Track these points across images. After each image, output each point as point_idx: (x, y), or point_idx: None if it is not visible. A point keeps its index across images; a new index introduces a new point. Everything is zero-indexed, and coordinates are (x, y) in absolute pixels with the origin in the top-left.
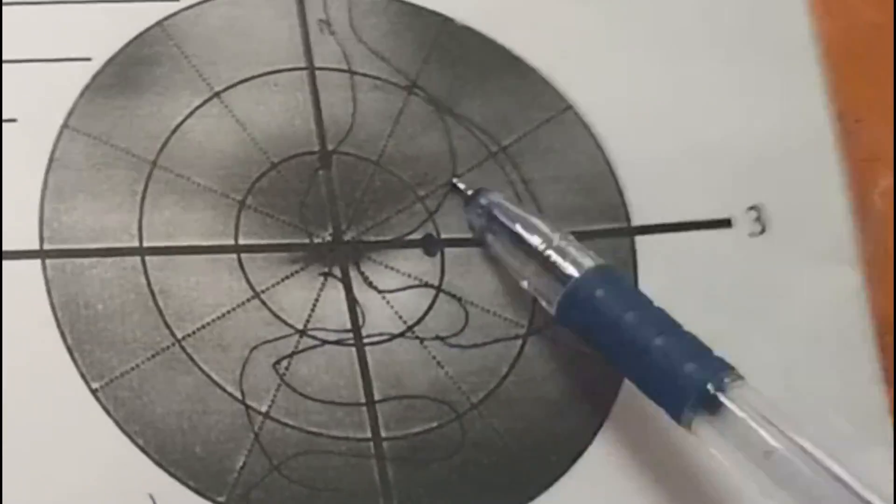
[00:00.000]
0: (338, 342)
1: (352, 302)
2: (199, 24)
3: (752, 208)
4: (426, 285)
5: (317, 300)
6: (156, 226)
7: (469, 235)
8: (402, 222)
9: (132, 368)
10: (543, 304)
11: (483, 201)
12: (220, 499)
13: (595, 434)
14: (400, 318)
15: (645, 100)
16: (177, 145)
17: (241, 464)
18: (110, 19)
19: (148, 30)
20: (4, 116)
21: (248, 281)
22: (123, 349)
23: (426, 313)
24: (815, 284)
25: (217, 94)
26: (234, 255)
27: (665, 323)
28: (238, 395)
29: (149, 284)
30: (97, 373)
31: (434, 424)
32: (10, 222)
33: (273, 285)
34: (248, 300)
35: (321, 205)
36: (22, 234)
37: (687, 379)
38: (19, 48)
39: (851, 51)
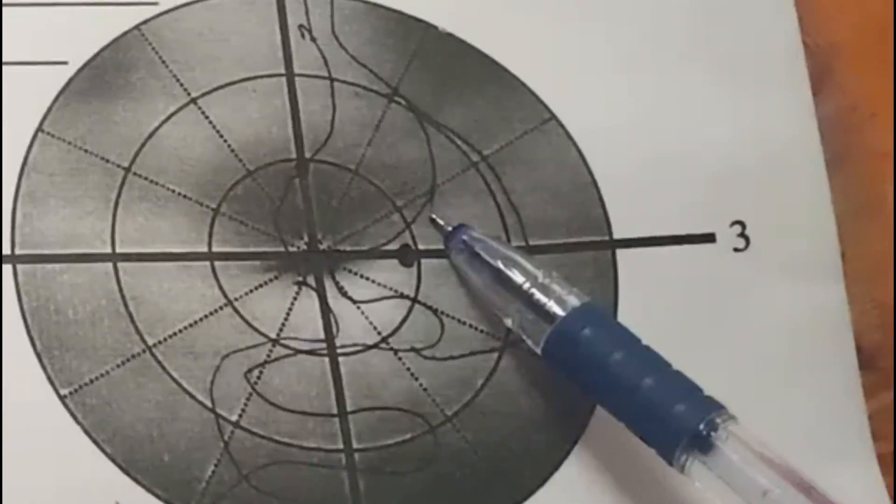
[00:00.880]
0: (311, 352)
1: (326, 311)
2: (178, 28)
3: (735, 223)
4: (402, 296)
5: (290, 309)
6: (128, 232)
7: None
8: (378, 232)
9: (101, 375)
10: (529, 343)
11: (464, 237)
12: None
13: (570, 449)
14: (374, 328)
15: (628, 112)
16: (151, 152)
17: (209, 473)
18: (87, 23)
19: (125, 34)
20: None
21: (220, 288)
22: (93, 355)
23: (401, 324)
24: (797, 299)
25: (194, 101)
26: (207, 263)
27: (654, 362)
28: (208, 403)
29: (120, 291)
30: (66, 379)
31: (407, 436)
32: None
33: (246, 293)
34: (221, 308)
35: (297, 213)
36: None
37: (678, 420)
38: None
39: (866, 45)
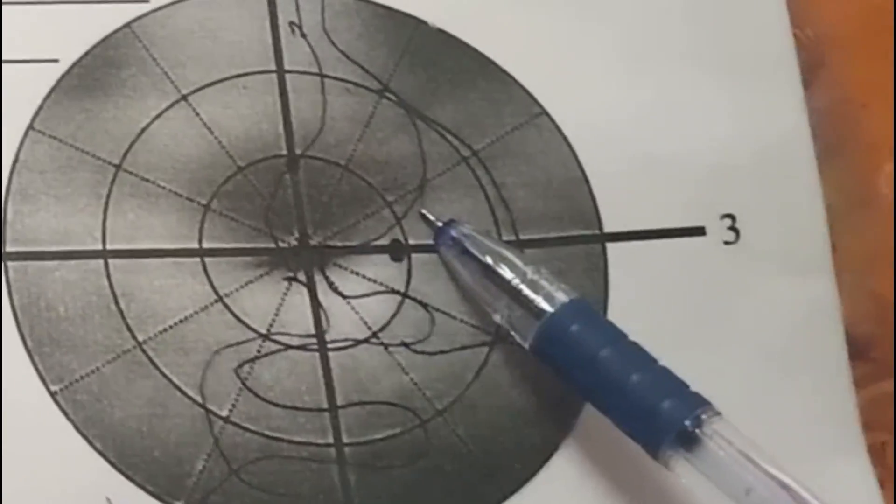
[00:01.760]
0: (301, 347)
1: (316, 307)
2: (169, 25)
3: (726, 216)
4: (392, 291)
5: (281, 305)
6: (119, 229)
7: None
8: (369, 227)
9: (92, 371)
10: (517, 338)
11: (454, 233)
12: (178, 503)
13: (560, 443)
14: (365, 323)
15: (618, 106)
16: (142, 148)
17: (200, 468)
18: (78, 20)
19: (116, 31)
20: None
21: (211, 284)
22: (84, 352)
23: (392, 319)
24: (788, 293)
25: (184, 97)
26: (198, 259)
27: (641, 358)
28: (199, 399)
29: (111, 287)
30: (57, 375)
31: (398, 430)
32: None
33: (237, 289)
34: (212, 304)
35: (287, 209)
36: None
37: (664, 416)
38: None
39: (857, 36)
